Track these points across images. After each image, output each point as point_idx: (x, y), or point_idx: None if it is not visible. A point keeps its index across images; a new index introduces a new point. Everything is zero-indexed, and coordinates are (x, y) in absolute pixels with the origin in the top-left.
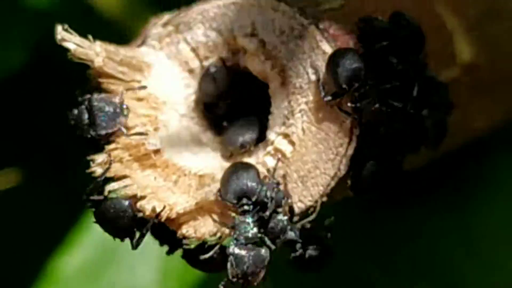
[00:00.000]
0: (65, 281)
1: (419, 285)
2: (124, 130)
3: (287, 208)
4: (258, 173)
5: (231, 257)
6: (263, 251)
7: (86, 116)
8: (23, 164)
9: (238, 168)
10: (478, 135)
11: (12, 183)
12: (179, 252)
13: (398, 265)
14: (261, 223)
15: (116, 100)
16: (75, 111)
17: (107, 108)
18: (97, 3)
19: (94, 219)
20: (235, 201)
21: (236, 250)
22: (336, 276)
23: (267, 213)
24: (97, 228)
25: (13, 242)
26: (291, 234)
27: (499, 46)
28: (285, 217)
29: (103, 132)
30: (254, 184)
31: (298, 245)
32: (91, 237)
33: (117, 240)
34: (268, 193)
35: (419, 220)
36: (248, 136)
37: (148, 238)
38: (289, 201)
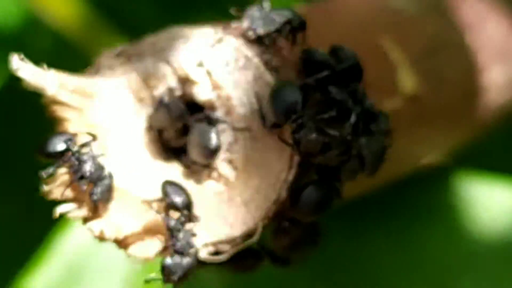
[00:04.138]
0: None
1: None
2: None
3: None
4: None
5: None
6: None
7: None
8: None
9: None
10: (424, 164)
11: None
12: (143, 271)
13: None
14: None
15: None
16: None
17: None
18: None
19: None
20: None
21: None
22: None
23: None
24: (63, 248)
25: None
26: None
27: (441, 78)
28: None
29: None
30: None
31: None
32: (57, 257)
33: (83, 260)
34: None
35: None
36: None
37: (113, 259)
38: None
